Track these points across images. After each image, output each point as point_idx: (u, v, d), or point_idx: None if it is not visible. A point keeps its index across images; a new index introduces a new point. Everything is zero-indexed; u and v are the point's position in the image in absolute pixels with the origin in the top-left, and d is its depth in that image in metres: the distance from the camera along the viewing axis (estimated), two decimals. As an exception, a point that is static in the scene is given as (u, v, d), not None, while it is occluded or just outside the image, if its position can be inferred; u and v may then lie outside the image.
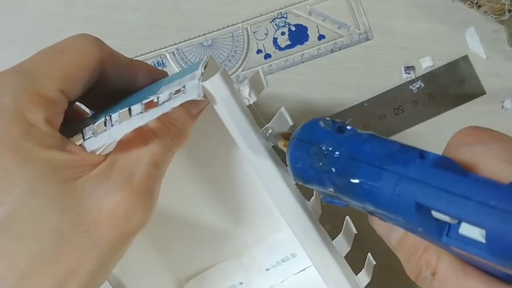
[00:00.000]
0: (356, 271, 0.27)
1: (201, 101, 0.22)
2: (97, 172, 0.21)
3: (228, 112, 0.22)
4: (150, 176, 0.21)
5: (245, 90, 0.23)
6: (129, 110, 0.21)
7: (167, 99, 0.21)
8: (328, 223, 0.37)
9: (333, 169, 0.19)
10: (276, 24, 0.39)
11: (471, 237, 0.16)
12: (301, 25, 0.39)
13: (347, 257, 0.26)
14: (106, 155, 0.22)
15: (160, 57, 0.38)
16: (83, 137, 0.22)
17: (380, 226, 0.20)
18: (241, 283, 0.34)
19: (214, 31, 0.38)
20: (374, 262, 0.27)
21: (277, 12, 0.39)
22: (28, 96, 0.20)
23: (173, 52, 0.38)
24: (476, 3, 0.36)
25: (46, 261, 0.19)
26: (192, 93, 0.20)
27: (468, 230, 0.16)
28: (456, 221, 0.16)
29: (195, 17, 0.39)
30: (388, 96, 0.38)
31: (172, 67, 0.38)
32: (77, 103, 0.25)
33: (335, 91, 0.39)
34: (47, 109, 0.20)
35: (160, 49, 0.38)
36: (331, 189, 0.19)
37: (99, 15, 0.39)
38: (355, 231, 0.26)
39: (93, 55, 0.23)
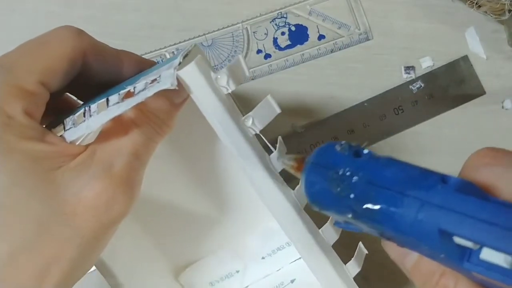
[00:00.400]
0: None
1: (183, 90, 0.22)
2: (77, 162, 0.21)
3: (205, 102, 0.22)
4: (131, 166, 0.21)
5: (223, 79, 0.22)
6: (107, 100, 0.21)
7: (142, 88, 0.21)
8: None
9: (352, 195, 0.18)
10: (276, 24, 0.39)
11: (494, 263, 0.15)
12: (301, 25, 0.39)
13: (338, 249, 0.26)
14: (87, 146, 0.22)
15: (160, 57, 0.38)
16: (64, 127, 0.22)
17: (394, 251, 0.20)
18: (237, 271, 0.34)
19: (214, 31, 0.38)
20: (366, 251, 0.27)
21: (277, 12, 0.39)
22: (7, 89, 0.20)
23: (173, 52, 0.38)
24: (476, 3, 0.36)
25: (27, 249, 0.19)
26: (165, 82, 0.20)
27: (490, 255, 0.16)
28: (477, 246, 0.16)
29: (195, 17, 0.39)
30: (388, 96, 0.38)
31: (172, 67, 0.38)
32: (68, 94, 0.25)
33: (335, 91, 0.39)
34: (26, 101, 0.21)
35: (160, 49, 0.38)
36: (349, 215, 0.19)
37: (99, 15, 0.39)
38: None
39: (74, 46, 0.23)
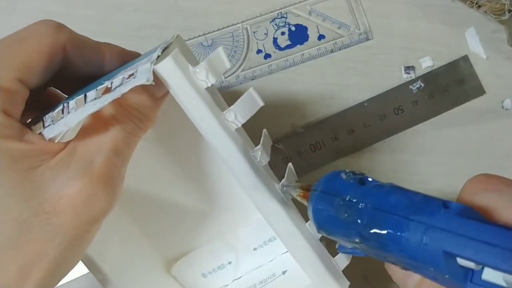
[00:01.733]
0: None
1: (163, 84, 0.21)
2: (57, 161, 0.21)
3: (183, 97, 0.21)
4: (111, 163, 0.21)
5: (202, 73, 0.21)
6: (85, 96, 0.21)
7: (119, 84, 0.20)
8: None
9: (359, 220, 0.19)
10: (276, 24, 0.39)
11: (494, 282, 0.16)
12: (301, 25, 0.39)
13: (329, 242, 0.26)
14: (67, 143, 0.22)
15: (160, 57, 0.38)
16: (43, 125, 0.22)
17: (398, 274, 0.21)
18: (229, 263, 0.34)
19: (214, 31, 0.38)
20: None
21: (277, 12, 0.39)
22: None
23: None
24: (476, 3, 0.36)
25: (9, 249, 0.19)
26: (141, 78, 0.20)
27: (491, 275, 0.17)
28: (479, 267, 0.17)
29: (195, 17, 0.39)
30: (388, 96, 0.38)
31: (172, 67, 0.38)
32: (52, 88, 0.25)
33: (335, 91, 0.39)
34: (3, 100, 0.20)
35: (160, 49, 0.38)
36: (357, 239, 0.20)
37: (99, 15, 0.39)
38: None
39: (52, 41, 0.22)
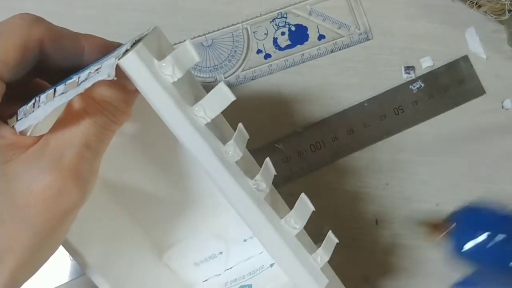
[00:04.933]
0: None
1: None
2: (29, 154, 0.21)
3: (149, 92, 0.21)
4: (82, 157, 0.21)
5: (168, 67, 0.21)
6: (54, 90, 0.21)
7: (84, 79, 0.20)
8: (329, 222, 0.37)
9: (504, 250, 0.20)
10: (276, 24, 0.39)
11: None
12: (301, 25, 0.39)
13: (338, 248, 0.26)
14: (40, 137, 0.22)
15: (160, 57, 0.38)
16: (17, 118, 0.22)
17: None
18: (220, 253, 0.34)
19: (214, 31, 0.38)
20: (337, 240, 0.26)
21: (277, 12, 0.39)
22: None
23: (173, 52, 0.38)
24: (476, 3, 0.36)
25: None
26: (103, 73, 0.19)
27: None
28: None
29: (195, 17, 0.39)
30: (388, 96, 0.38)
31: (172, 67, 0.38)
32: (39, 79, 0.25)
33: (335, 91, 0.39)
34: None
35: (160, 49, 0.38)
36: (498, 266, 0.20)
37: (99, 15, 0.39)
38: (312, 208, 0.24)
39: (27, 35, 0.22)
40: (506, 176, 0.38)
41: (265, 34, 0.39)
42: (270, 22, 0.39)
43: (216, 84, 0.22)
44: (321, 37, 0.39)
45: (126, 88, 0.22)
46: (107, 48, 0.25)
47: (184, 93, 0.22)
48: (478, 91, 0.38)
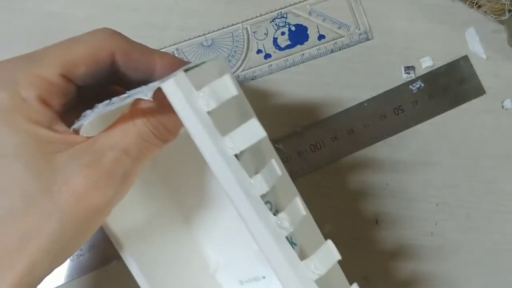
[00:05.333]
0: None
1: None
2: (75, 150, 0.23)
3: (183, 117, 0.22)
4: (118, 160, 0.23)
5: (204, 98, 0.22)
6: (110, 101, 0.23)
7: (131, 95, 0.22)
8: (329, 222, 0.37)
9: None
10: (276, 24, 0.39)
11: None
12: (301, 25, 0.39)
13: (339, 248, 0.24)
14: (89, 137, 0.24)
15: (160, 57, 0.38)
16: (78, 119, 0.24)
17: None
18: (264, 277, 0.34)
19: (214, 31, 0.38)
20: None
21: (277, 12, 0.39)
22: (27, 76, 0.23)
23: (173, 52, 0.38)
24: (476, 3, 0.36)
25: (13, 216, 0.21)
26: (142, 92, 0.21)
27: None
28: None
29: (195, 17, 0.39)
30: (388, 96, 0.38)
31: (172, 67, 0.38)
32: (117, 87, 0.28)
33: (335, 91, 0.39)
34: (42, 89, 0.23)
35: (160, 49, 0.38)
36: None
37: (99, 15, 0.39)
38: (338, 257, 0.24)
39: (101, 46, 0.25)
40: (506, 176, 0.38)
41: (265, 34, 0.39)
42: (270, 22, 0.39)
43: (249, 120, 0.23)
44: (321, 37, 0.39)
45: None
46: (177, 66, 0.27)
47: (222, 121, 0.23)
48: (478, 91, 0.38)
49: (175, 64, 0.27)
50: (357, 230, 0.38)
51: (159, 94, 0.21)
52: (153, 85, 0.21)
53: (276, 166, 0.24)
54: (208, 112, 0.22)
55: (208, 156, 0.22)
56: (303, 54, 0.38)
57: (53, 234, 0.22)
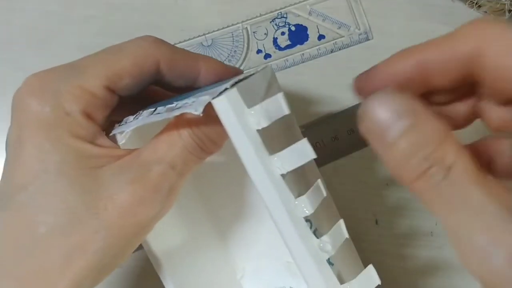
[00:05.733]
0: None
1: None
2: (119, 164, 0.22)
3: (233, 135, 0.22)
4: (165, 175, 0.22)
5: (255, 116, 0.22)
6: (155, 109, 0.23)
7: (179, 107, 0.21)
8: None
9: None
10: (276, 24, 0.39)
11: None
12: (301, 25, 0.39)
13: None
14: (133, 150, 0.23)
15: (160, 57, 0.38)
16: (119, 124, 0.24)
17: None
18: None
19: (214, 31, 0.38)
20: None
21: (277, 12, 0.39)
22: (70, 88, 0.22)
23: (173, 52, 0.38)
24: (476, 3, 0.36)
25: (57, 234, 0.21)
26: (192, 107, 0.21)
27: None
28: None
29: (195, 17, 0.39)
30: (388, 96, 0.38)
31: (172, 67, 0.38)
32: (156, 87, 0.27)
33: (335, 91, 0.39)
34: (87, 103, 0.23)
35: (160, 49, 0.38)
36: None
37: (99, 15, 0.39)
38: (378, 282, 0.23)
39: (147, 55, 0.24)
40: (506, 176, 0.38)
41: (265, 34, 0.39)
42: (270, 22, 0.39)
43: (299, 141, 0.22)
44: (321, 37, 0.39)
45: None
46: (224, 73, 0.27)
47: (271, 139, 0.23)
48: (478, 91, 0.38)
49: (220, 69, 0.27)
50: (357, 230, 0.38)
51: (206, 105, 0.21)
52: (203, 100, 0.21)
53: (322, 187, 0.24)
54: (258, 130, 0.22)
55: (254, 175, 0.22)
56: (303, 54, 0.38)
57: (98, 252, 0.21)
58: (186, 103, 0.22)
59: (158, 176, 0.22)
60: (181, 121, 0.23)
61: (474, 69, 0.19)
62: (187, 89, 0.26)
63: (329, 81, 0.39)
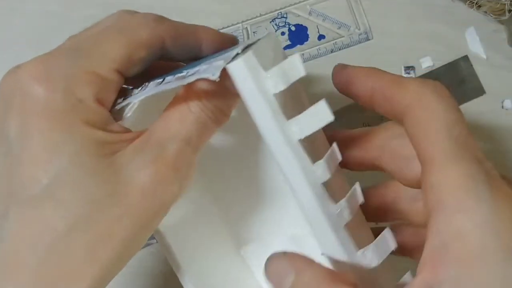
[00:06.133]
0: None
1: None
2: (133, 147, 0.22)
3: (249, 99, 0.21)
4: (182, 152, 0.22)
5: (272, 78, 0.21)
6: (163, 79, 0.22)
7: (191, 74, 0.21)
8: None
9: None
10: (276, 24, 0.39)
11: None
12: (301, 25, 0.39)
13: None
14: (143, 131, 0.23)
15: (160, 57, 0.38)
16: (124, 98, 0.23)
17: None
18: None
19: (214, 31, 0.38)
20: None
21: (277, 12, 0.39)
22: (81, 74, 0.21)
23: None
24: (476, 3, 0.36)
25: (81, 226, 0.20)
26: (208, 72, 0.20)
27: None
28: None
29: (195, 17, 0.39)
30: (388, 96, 0.38)
31: (172, 67, 0.38)
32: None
33: (335, 91, 0.39)
34: (99, 88, 0.22)
35: (160, 49, 0.38)
36: None
37: (99, 15, 0.39)
38: (394, 246, 0.23)
39: (152, 34, 0.24)
40: (506, 176, 0.38)
41: (265, 34, 0.39)
42: (270, 22, 0.39)
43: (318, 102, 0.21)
44: (321, 37, 0.39)
45: (229, 91, 0.22)
46: (222, 41, 0.26)
47: (285, 105, 0.22)
48: (478, 91, 0.38)
49: (218, 37, 0.26)
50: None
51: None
52: (218, 65, 0.20)
53: (337, 151, 0.23)
54: (274, 94, 0.21)
55: (272, 142, 0.22)
56: (303, 54, 0.38)
57: (123, 239, 0.21)
58: (197, 70, 0.21)
59: (175, 154, 0.22)
60: (189, 94, 0.22)
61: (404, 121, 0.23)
62: (190, 60, 0.26)
63: (328, 81, 0.39)
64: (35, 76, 0.21)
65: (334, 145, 0.23)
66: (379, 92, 0.24)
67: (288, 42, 0.39)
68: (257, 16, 0.39)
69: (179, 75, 0.21)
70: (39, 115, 0.21)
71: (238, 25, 0.39)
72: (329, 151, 0.23)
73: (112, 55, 0.22)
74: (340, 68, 0.26)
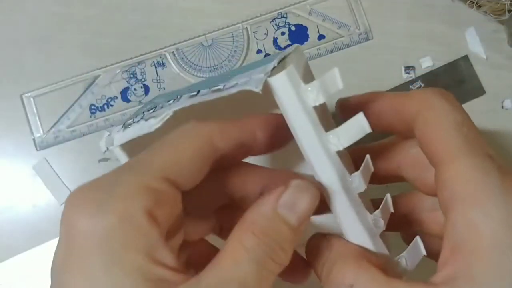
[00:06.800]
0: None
1: (298, 211, 0.21)
2: None
3: (290, 112, 0.21)
4: None
5: (313, 92, 0.21)
6: (198, 92, 0.22)
7: (230, 86, 0.21)
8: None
9: None
10: (276, 24, 0.39)
11: None
12: (301, 25, 0.39)
13: None
14: (193, 275, 0.20)
15: (160, 57, 0.38)
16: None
17: None
18: None
19: (214, 31, 0.38)
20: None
21: (277, 12, 0.39)
22: (130, 188, 0.19)
23: (173, 52, 0.38)
24: (476, 3, 0.36)
25: None
26: (251, 84, 0.20)
27: None
28: None
29: (195, 17, 0.39)
30: (388, 96, 0.38)
31: (172, 67, 0.38)
32: None
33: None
34: (150, 199, 0.19)
35: (160, 49, 0.38)
36: None
37: (99, 15, 0.39)
38: (424, 253, 0.23)
39: (203, 142, 0.21)
40: (506, 176, 0.38)
41: (265, 34, 0.39)
42: (270, 22, 0.39)
43: (356, 117, 0.21)
44: (321, 37, 0.39)
45: (288, 223, 0.21)
46: (277, 124, 0.23)
47: (321, 116, 0.23)
48: (478, 91, 0.38)
49: (273, 123, 0.24)
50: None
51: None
52: (259, 78, 0.20)
53: (370, 163, 0.24)
54: (314, 107, 0.22)
55: (312, 154, 0.22)
56: (303, 54, 0.38)
57: None
58: (235, 83, 0.20)
59: None
60: (243, 226, 0.20)
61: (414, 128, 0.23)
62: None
63: (329, 81, 0.39)
64: (75, 205, 0.19)
65: (367, 157, 0.24)
66: (387, 108, 0.24)
67: (288, 42, 0.39)
68: (257, 16, 0.39)
69: (215, 88, 0.21)
70: (79, 247, 0.18)
71: (238, 25, 0.39)
72: (364, 163, 0.23)
73: (159, 163, 0.20)
74: (342, 102, 0.26)
